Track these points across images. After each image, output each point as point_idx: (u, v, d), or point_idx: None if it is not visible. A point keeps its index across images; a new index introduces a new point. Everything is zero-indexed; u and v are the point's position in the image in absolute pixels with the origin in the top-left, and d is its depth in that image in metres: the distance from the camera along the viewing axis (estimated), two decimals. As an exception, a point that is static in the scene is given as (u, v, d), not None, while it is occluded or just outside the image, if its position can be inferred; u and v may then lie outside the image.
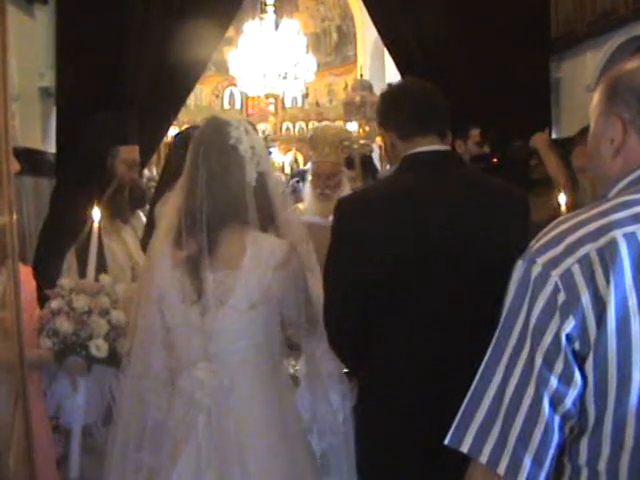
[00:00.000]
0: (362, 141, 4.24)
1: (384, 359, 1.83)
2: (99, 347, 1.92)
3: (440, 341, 1.77)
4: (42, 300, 2.07)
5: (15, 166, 1.86)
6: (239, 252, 1.68)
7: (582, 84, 4.00)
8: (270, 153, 7.55)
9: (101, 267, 2.17)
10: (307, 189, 3.27)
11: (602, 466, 1.09)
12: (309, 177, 3.27)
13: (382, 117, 2.00)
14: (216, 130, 1.74)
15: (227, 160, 1.70)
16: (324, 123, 7.50)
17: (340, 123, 9.28)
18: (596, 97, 1.23)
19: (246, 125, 1.77)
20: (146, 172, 5.15)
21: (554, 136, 4.11)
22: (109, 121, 2.57)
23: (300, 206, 3.40)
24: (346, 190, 3.15)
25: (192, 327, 1.68)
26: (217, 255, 1.68)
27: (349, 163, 3.80)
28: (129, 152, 2.52)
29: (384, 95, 2.06)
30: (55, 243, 2.40)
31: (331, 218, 2.19)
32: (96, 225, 2.03)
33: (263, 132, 11.14)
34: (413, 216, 1.80)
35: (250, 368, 1.70)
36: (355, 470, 1.83)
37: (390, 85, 2.11)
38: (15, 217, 1.66)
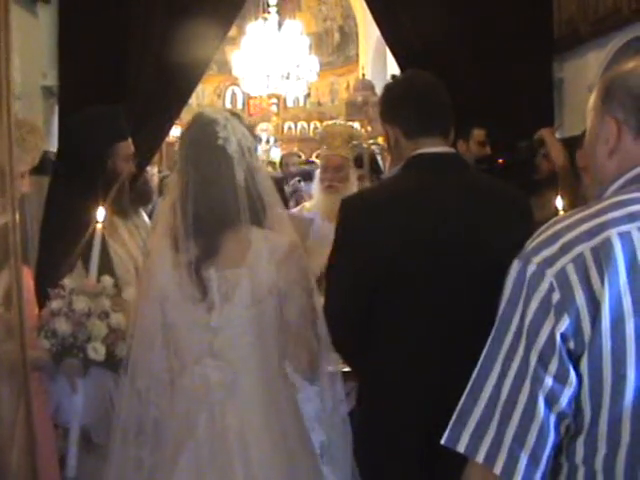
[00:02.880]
0: (371, 141, 4.30)
1: (384, 359, 1.83)
2: (97, 350, 1.91)
3: (441, 341, 1.77)
4: (40, 301, 2.06)
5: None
6: (243, 250, 1.68)
7: (585, 84, 3.99)
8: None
9: (108, 270, 2.15)
10: (315, 184, 3.28)
11: (599, 464, 1.09)
12: (317, 172, 3.29)
13: (387, 112, 1.95)
14: (203, 131, 1.72)
15: (217, 163, 1.68)
16: (333, 121, 7.46)
17: (343, 122, 9.27)
18: (592, 98, 1.24)
19: (233, 121, 1.73)
20: (155, 170, 5.12)
21: (557, 136, 4.11)
22: (102, 120, 2.48)
23: (307, 204, 3.41)
24: (353, 185, 3.17)
25: (197, 324, 1.68)
26: (220, 256, 1.68)
27: (358, 161, 3.81)
28: (127, 147, 2.48)
29: (389, 89, 1.99)
30: (55, 243, 2.36)
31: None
32: (100, 226, 2.02)
33: (265, 131, 11.14)
34: (416, 217, 1.79)
35: (253, 364, 1.70)
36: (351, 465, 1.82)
37: (395, 77, 2.06)
38: (18, 216, 1.66)
